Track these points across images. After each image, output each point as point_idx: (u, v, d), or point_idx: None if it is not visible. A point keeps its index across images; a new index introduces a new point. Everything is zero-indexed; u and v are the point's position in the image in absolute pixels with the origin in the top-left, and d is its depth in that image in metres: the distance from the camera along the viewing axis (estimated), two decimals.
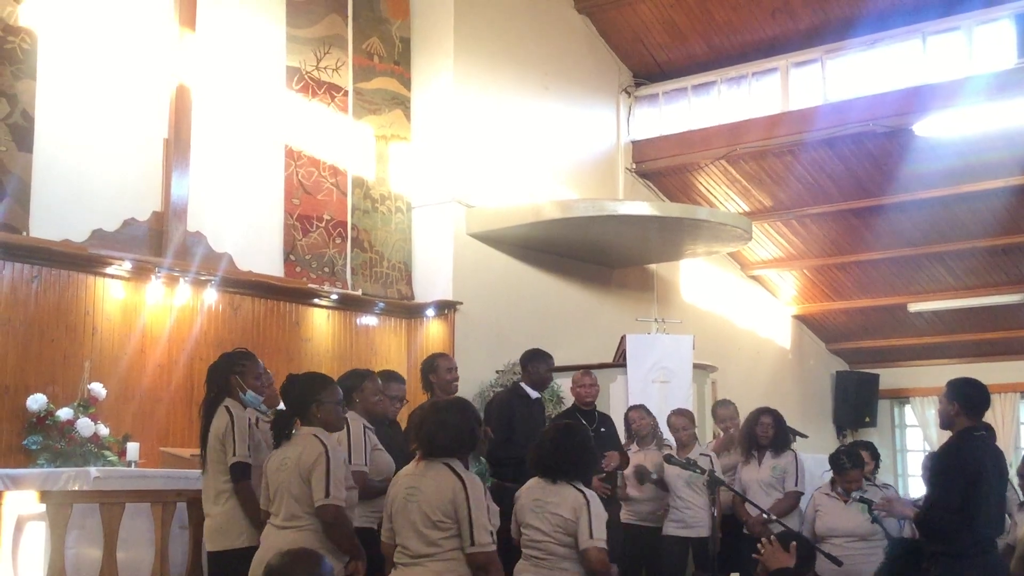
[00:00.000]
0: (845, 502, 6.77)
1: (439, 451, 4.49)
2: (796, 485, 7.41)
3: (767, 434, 7.49)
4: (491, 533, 4.39)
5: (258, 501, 5.13)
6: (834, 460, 6.94)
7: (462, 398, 5.19)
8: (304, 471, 4.70)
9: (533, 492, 4.93)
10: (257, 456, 5.29)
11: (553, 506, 4.79)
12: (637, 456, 7.91)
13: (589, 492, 4.84)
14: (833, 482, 6.96)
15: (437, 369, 6.83)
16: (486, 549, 4.33)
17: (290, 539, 4.54)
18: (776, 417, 7.61)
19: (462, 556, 4.34)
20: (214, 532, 5.32)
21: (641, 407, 8.23)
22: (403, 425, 6.59)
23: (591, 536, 4.67)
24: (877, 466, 7.90)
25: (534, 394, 7.42)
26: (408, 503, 4.43)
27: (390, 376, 6.37)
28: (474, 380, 9.53)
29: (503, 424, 7.14)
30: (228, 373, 5.51)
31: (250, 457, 5.27)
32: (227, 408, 5.37)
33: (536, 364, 7.48)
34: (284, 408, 5.05)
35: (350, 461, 5.28)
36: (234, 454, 5.24)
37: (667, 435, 8.14)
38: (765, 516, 6.96)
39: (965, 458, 5.26)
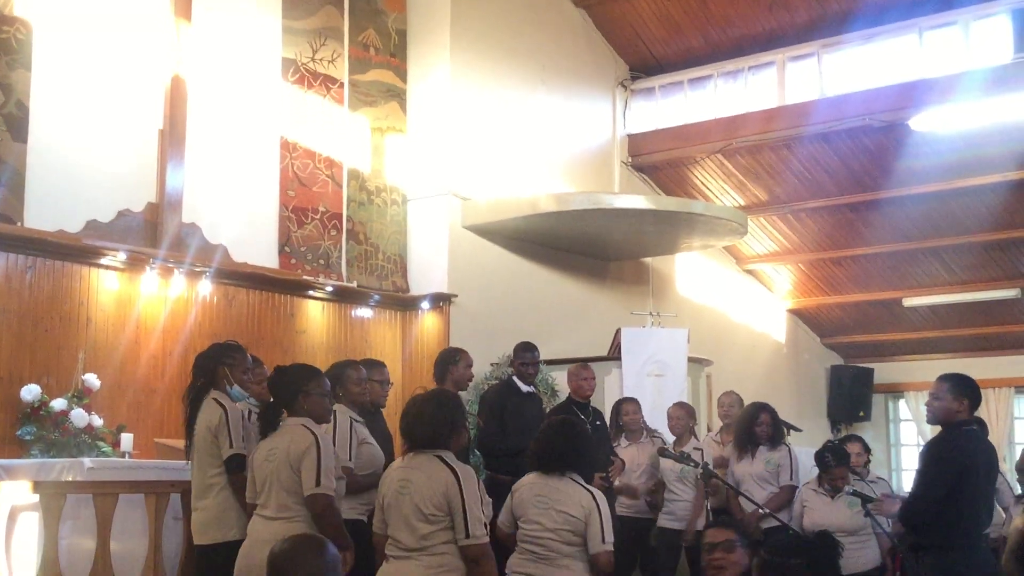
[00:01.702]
0: (832, 498, 6.79)
1: (419, 443, 4.49)
2: (791, 479, 7.41)
3: (766, 433, 7.49)
4: (485, 525, 4.37)
5: None
6: (819, 458, 6.96)
7: (445, 390, 5.19)
8: (294, 461, 4.69)
9: (535, 487, 4.86)
10: (248, 448, 5.28)
11: (559, 503, 4.73)
12: (629, 451, 7.90)
13: (597, 492, 4.80)
14: (820, 478, 6.98)
15: (458, 363, 6.85)
16: (480, 541, 4.32)
17: (280, 530, 4.48)
18: (772, 413, 7.61)
19: (454, 549, 4.32)
20: (205, 525, 5.29)
21: (634, 400, 8.19)
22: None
23: (603, 541, 4.68)
24: (868, 459, 7.93)
25: (525, 388, 7.42)
26: (400, 496, 4.40)
27: (372, 364, 6.31)
28: None
29: (495, 417, 7.16)
30: (217, 364, 5.48)
31: (245, 449, 5.23)
32: (217, 401, 5.34)
33: (514, 358, 7.57)
34: (272, 400, 5.04)
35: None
36: (231, 446, 5.22)
37: (656, 427, 8.16)
38: (761, 511, 6.98)
39: (956, 451, 5.27)
